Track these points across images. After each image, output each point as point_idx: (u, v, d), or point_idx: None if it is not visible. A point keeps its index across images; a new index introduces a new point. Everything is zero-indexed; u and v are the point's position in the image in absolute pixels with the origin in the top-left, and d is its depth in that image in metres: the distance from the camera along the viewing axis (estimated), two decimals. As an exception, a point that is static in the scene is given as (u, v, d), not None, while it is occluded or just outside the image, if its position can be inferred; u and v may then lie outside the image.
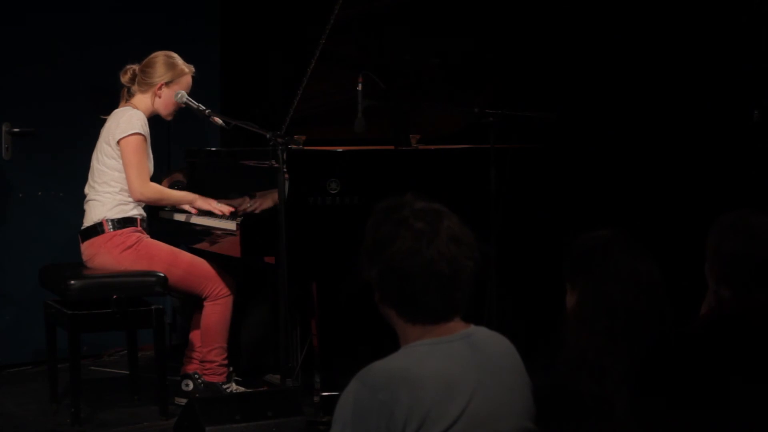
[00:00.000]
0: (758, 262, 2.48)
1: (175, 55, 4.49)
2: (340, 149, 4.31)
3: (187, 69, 4.50)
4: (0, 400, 4.65)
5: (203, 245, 4.50)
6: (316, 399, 4.20)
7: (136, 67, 4.49)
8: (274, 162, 4.02)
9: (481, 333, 2.19)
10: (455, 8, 4.64)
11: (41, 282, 4.51)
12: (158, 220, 4.65)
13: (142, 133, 4.35)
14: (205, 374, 4.39)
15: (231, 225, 4.21)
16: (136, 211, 4.39)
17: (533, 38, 4.92)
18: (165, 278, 4.23)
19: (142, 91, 4.46)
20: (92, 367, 5.16)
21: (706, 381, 2.33)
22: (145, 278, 4.23)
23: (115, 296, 4.15)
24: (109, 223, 4.33)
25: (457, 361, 2.08)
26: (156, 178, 4.55)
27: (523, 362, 2.24)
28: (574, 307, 2.33)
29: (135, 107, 4.43)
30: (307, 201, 4.14)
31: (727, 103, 4.55)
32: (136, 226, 4.37)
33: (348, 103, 4.39)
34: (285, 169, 3.94)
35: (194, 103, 4.43)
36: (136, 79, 4.47)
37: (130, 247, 4.31)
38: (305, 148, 4.28)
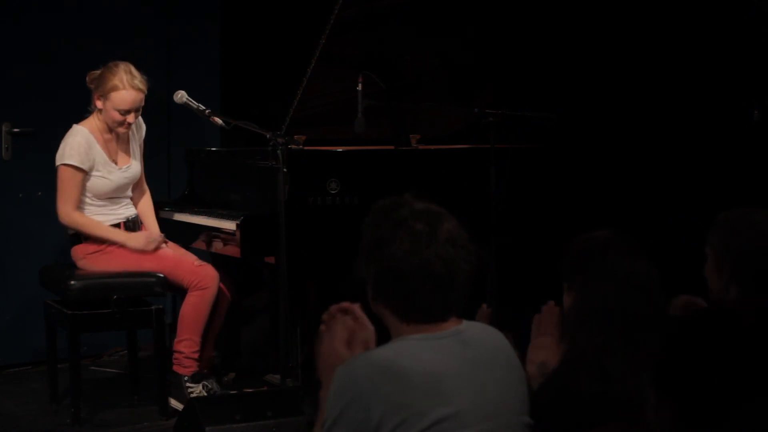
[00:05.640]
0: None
1: (116, 68, 4.30)
2: (340, 149, 4.31)
3: (119, 83, 4.27)
4: (0, 400, 4.65)
5: (203, 245, 4.50)
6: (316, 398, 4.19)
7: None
8: (274, 162, 4.01)
9: (474, 328, 2.19)
10: (455, 8, 4.64)
11: (41, 282, 4.51)
12: (158, 221, 4.65)
13: (73, 164, 4.28)
14: (173, 363, 4.34)
15: (231, 225, 4.21)
16: (103, 217, 4.39)
17: (533, 38, 4.92)
18: (165, 278, 4.23)
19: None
20: (92, 367, 5.15)
21: (706, 381, 2.33)
22: (145, 278, 4.24)
23: (115, 296, 4.15)
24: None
25: (447, 357, 2.09)
26: (158, 175, 4.53)
27: (518, 356, 2.24)
28: (571, 307, 2.33)
29: (89, 124, 4.36)
30: (307, 201, 4.14)
31: (727, 102, 4.55)
32: None
33: (348, 103, 4.39)
34: (285, 169, 3.94)
35: (194, 103, 4.41)
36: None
37: (98, 251, 4.33)
38: (305, 148, 4.28)
